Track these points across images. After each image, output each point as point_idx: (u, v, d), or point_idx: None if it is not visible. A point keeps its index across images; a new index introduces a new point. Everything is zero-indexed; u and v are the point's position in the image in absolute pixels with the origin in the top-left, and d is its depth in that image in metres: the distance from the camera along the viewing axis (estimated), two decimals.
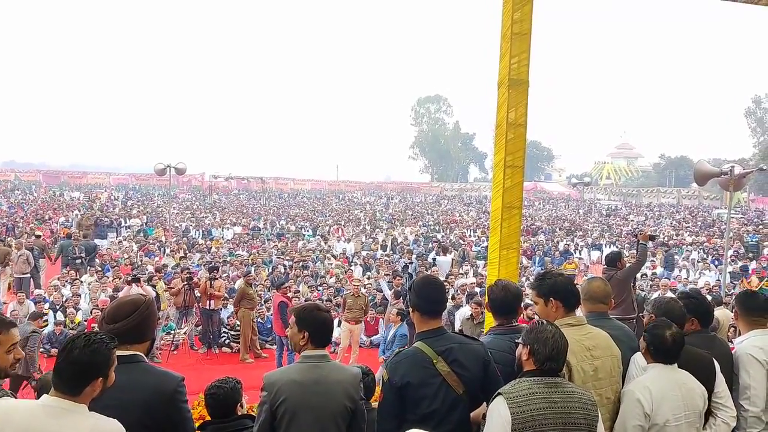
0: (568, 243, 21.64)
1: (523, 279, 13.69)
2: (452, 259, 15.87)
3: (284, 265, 16.00)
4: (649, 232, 10.31)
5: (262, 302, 11.43)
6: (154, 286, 10.02)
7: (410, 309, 2.78)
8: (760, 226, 27.00)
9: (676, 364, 2.69)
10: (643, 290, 12.63)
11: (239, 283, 11.39)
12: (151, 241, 19.14)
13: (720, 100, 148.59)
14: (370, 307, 10.00)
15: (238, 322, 10.11)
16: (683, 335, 2.74)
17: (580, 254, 19.90)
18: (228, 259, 16.53)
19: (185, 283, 10.31)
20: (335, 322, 11.28)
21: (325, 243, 20.96)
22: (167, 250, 17.67)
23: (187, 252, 17.27)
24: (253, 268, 14.55)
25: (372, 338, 10.93)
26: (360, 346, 9.89)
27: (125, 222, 23.64)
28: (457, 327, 8.00)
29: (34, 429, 1.91)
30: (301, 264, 15.78)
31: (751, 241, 19.88)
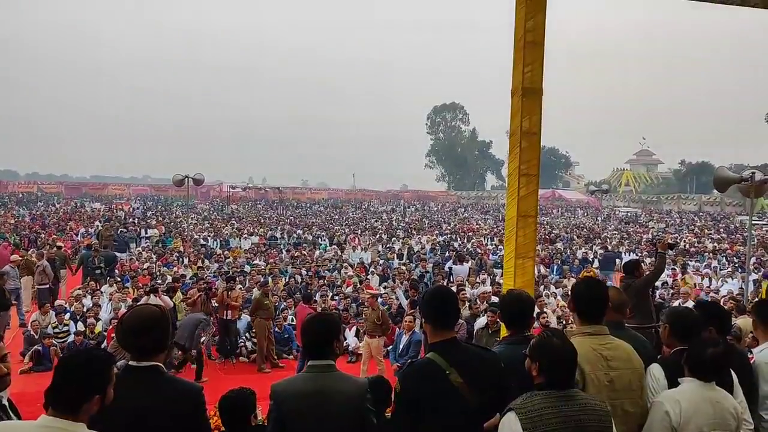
0: (586, 251, 21.40)
1: (542, 288, 13.56)
2: (469, 268, 15.78)
3: (301, 275, 16.07)
4: (669, 240, 10.15)
5: (278, 312, 11.46)
6: (171, 297, 10.11)
7: (423, 320, 2.78)
8: None
9: (714, 382, 2.63)
10: (663, 299, 12.43)
11: (255, 293, 11.47)
12: (169, 252, 19.36)
13: (742, 104, 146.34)
14: (388, 320, 9.82)
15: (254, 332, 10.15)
16: (725, 354, 2.67)
17: (599, 263, 19.62)
18: (245, 269, 16.64)
19: (202, 293, 10.40)
20: (352, 331, 11.36)
21: (342, 252, 20.99)
22: (185, 261, 17.84)
23: (204, 262, 17.45)
24: (270, 278, 14.63)
25: (388, 348, 10.87)
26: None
27: (145, 233, 23.94)
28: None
29: None
30: (316, 273, 15.84)
31: None
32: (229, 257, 18.90)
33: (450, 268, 14.96)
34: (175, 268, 16.19)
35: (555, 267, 17.98)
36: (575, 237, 26.59)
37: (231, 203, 46.95)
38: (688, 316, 2.96)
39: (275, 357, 10.35)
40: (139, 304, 9.25)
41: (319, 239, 24.77)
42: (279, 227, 28.74)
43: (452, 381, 2.52)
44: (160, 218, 30.36)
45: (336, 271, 16.86)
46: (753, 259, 17.16)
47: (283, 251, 21.07)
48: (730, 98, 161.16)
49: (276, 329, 10.79)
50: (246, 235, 24.46)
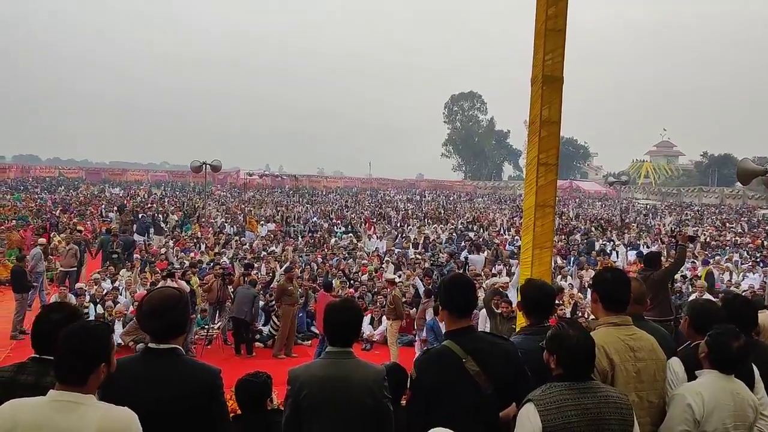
0: (604, 243, 21.18)
1: (558, 278, 13.46)
2: (485, 258, 15.73)
3: (317, 262, 16.15)
4: (690, 233, 9.99)
5: (308, 299, 11.55)
6: (188, 281, 10.22)
7: (440, 307, 2.76)
8: None
9: (732, 375, 2.60)
10: (683, 292, 12.28)
11: (280, 280, 11.53)
12: (187, 237, 19.57)
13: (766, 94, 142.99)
14: (401, 305, 9.89)
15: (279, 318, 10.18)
16: (749, 347, 2.64)
17: (617, 255, 19.41)
18: (262, 255, 16.76)
19: (218, 278, 10.50)
20: (366, 319, 11.39)
21: (358, 240, 21.03)
22: (202, 246, 18.02)
23: (222, 247, 17.62)
24: (294, 265, 14.73)
25: (402, 337, 10.90)
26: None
27: (163, 218, 24.22)
28: (481, 325, 7.89)
29: (43, 426, 1.88)
30: (329, 262, 15.92)
31: None
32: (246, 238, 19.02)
33: (466, 258, 14.92)
34: (192, 254, 16.36)
35: (571, 258, 17.82)
36: (593, 228, 26.32)
37: (248, 190, 47.23)
38: (710, 309, 2.91)
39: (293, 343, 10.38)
40: (157, 287, 9.46)
41: (335, 227, 24.83)
42: (295, 215, 28.87)
43: (468, 369, 2.51)
44: (179, 204, 30.67)
45: (351, 259, 16.91)
46: None
47: (299, 238, 21.17)
48: (756, 88, 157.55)
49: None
50: (263, 222, 24.62)
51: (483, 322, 8.25)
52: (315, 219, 27.63)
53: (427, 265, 14.58)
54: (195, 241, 18.94)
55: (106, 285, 11.87)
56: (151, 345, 2.39)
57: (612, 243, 21.40)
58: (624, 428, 2.24)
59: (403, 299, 11.47)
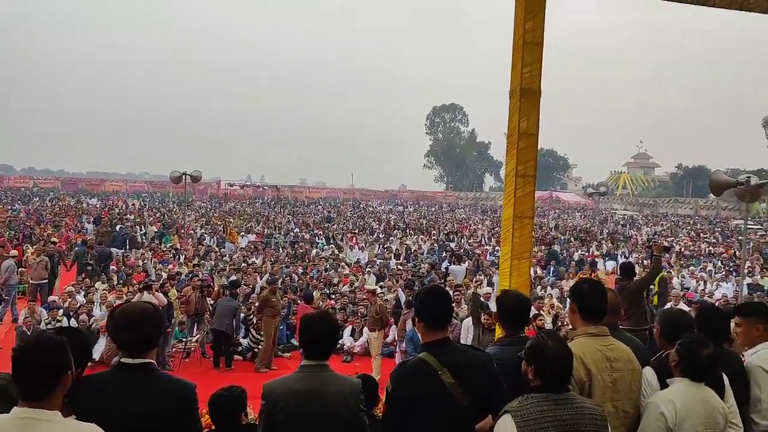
0: (583, 252, 21.42)
1: (538, 289, 13.56)
2: (466, 269, 15.79)
3: (297, 274, 16.07)
4: (665, 243, 10.18)
5: (290, 311, 11.47)
6: (166, 293, 10.07)
7: (416, 319, 2.76)
8: None
9: (703, 383, 2.63)
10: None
11: (260, 289, 11.40)
12: (166, 249, 19.32)
13: (739, 109, 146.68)
14: (387, 314, 9.90)
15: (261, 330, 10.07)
16: (717, 355, 2.67)
17: (596, 265, 19.64)
18: (242, 266, 16.61)
19: (196, 290, 10.37)
20: (347, 330, 11.34)
21: (339, 251, 20.99)
22: (182, 258, 17.81)
23: (202, 259, 17.43)
24: (277, 277, 14.63)
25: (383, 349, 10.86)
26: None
27: (141, 229, 23.90)
28: (463, 335, 7.91)
29: None
30: (309, 273, 15.86)
31: None
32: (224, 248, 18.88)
33: (447, 268, 14.95)
34: (171, 266, 16.15)
35: (551, 268, 17.97)
36: (572, 239, 26.61)
37: (228, 200, 46.87)
38: (680, 318, 2.95)
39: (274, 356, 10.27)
40: (131, 300, 9.31)
41: (317, 238, 24.75)
42: (276, 225, 28.72)
43: (444, 381, 2.51)
44: (158, 215, 30.31)
45: (332, 270, 16.85)
46: (747, 264, 17.20)
47: (280, 249, 21.05)
48: (729, 102, 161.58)
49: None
50: (243, 233, 24.43)
51: (466, 333, 8.28)
52: (296, 230, 27.52)
53: (408, 275, 14.59)
54: (174, 252, 18.72)
55: (81, 298, 11.63)
56: (124, 360, 2.34)
57: (590, 253, 21.64)
58: None
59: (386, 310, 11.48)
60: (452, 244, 23.21)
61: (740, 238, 14.00)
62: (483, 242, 24.84)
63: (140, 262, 16.13)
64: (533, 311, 9.67)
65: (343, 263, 18.09)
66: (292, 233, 26.17)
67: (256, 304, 10.56)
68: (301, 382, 2.58)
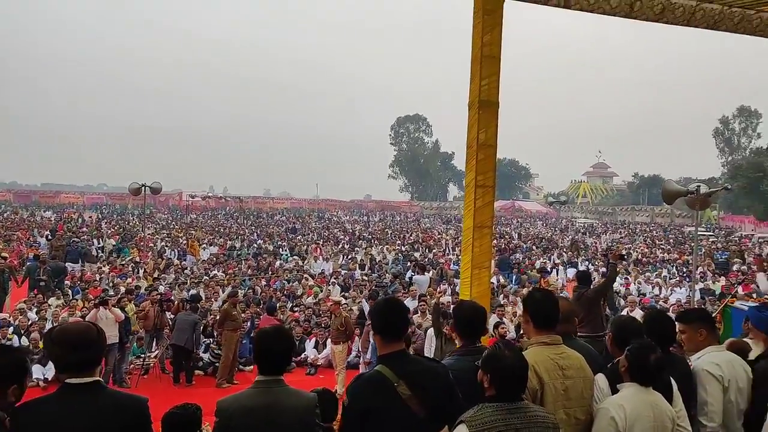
0: (544, 261, 21.82)
1: (500, 297, 13.73)
2: (430, 278, 15.86)
3: (260, 286, 15.88)
4: (620, 251, 10.48)
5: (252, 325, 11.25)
6: (123, 308, 9.79)
7: (372, 332, 2.76)
8: (730, 244, 27.62)
9: (651, 387, 2.71)
10: (617, 308, 12.76)
11: (221, 303, 11.20)
12: (125, 262, 18.80)
13: (692, 120, 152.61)
14: (352, 326, 9.81)
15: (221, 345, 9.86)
16: (664, 360, 2.75)
17: (557, 272, 20.04)
18: (203, 279, 16.29)
19: (155, 304, 10.13)
20: (311, 342, 11.24)
21: (303, 262, 20.83)
22: (141, 272, 17.35)
23: (162, 272, 17.01)
24: (238, 290, 14.39)
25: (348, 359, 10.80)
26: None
27: (98, 243, 23.20)
28: (427, 345, 7.93)
29: None
30: (272, 285, 15.70)
31: (721, 258, 20.30)
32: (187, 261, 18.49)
33: (410, 278, 15.01)
34: (130, 279, 15.72)
35: (514, 277, 18.24)
36: (534, 247, 27.09)
37: (190, 212, 45.98)
38: (630, 325, 3.04)
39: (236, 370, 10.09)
40: (78, 318, 9.02)
41: (280, 249, 24.50)
42: (239, 237, 28.31)
43: (400, 393, 2.51)
44: (116, 228, 29.49)
45: (296, 282, 16.70)
46: (699, 269, 17.84)
47: (243, 262, 20.75)
48: (683, 114, 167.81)
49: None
50: (205, 245, 24.00)
51: (429, 343, 8.30)
52: (260, 241, 27.18)
53: (373, 286, 14.58)
54: (133, 266, 18.23)
55: (33, 315, 11.19)
56: (70, 381, 2.26)
57: (552, 261, 22.08)
58: None
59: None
60: (417, 254, 23.32)
61: (693, 244, 14.50)
62: (447, 252, 25.03)
63: (97, 277, 15.64)
64: (495, 319, 9.79)
65: (307, 275, 17.96)
66: (255, 245, 25.84)
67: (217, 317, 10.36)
68: (256, 398, 2.54)
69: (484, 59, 5.91)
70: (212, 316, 11.22)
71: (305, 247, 24.93)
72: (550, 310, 2.84)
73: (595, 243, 30.74)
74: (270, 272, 18.56)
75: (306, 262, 21.09)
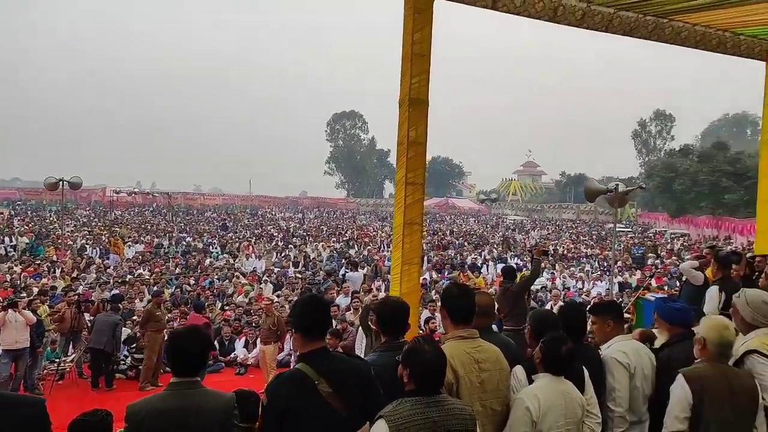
0: (475, 257, 22.38)
1: (433, 293, 13.96)
2: (364, 275, 15.90)
3: (189, 284, 15.39)
4: (544, 247, 10.94)
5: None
6: (35, 311, 9.19)
7: (293, 330, 2.72)
8: (645, 239, 29.40)
9: (563, 376, 2.81)
10: (544, 302, 13.28)
11: (145, 304, 10.76)
12: (39, 261, 17.68)
13: (615, 121, 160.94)
14: (284, 326, 9.63)
15: (144, 346, 9.46)
16: (575, 351, 2.86)
17: (487, 268, 20.59)
18: (128, 278, 15.57)
19: (72, 305, 9.59)
20: (241, 342, 10.99)
21: (234, 260, 20.36)
22: (58, 271, 16.37)
23: (82, 272, 16.14)
24: (164, 289, 13.84)
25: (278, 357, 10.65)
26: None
27: (11, 240, 21.69)
28: (358, 341, 7.95)
29: None
30: (201, 283, 15.27)
31: (637, 253, 21.59)
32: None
33: (344, 275, 14.99)
34: (45, 280, 14.80)
35: (446, 272, 18.60)
36: (466, 243, 27.73)
37: (115, 208, 43.86)
38: (546, 318, 3.16)
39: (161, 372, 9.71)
40: None
41: (211, 247, 23.83)
42: (167, 235, 27.30)
43: (321, 391, 2.49)
44: (30, 225, 27.67)
45: (227, 280, 16.29)
46: (618, 263, 18.88)
47: (170, 260, 20.03)
48: (608, 114, 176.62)
49: None
50: (130, 243, 22.97)
51: (360, 340, 8.30)
52: (189, 239, 26.32)
53: (306, 284, 14.46)
54: (49, 265, 17.16)
55: None
56: None
57: (482, 257, 22.68)
58: None
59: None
60: (352, 251, 23.32)
61: (612, 240, 15.31)
62: (382, 248, 25.19)
63: (7, 277, 14.61)
64: (426, 314, 9.94)
65: (238, 273, 17.55)
66: (184, 243, 25.00)
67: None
68: (168, 401, 2.44)
69: (414, 57, 5.96)
70: (135, 318, 10.77)
71: (237, 244, 24.37)
72: (467, 305, 2.89)
73: (524, 239, 31.84)
74: (199, 270, 18.03)
75: (237, 260, 20.63)
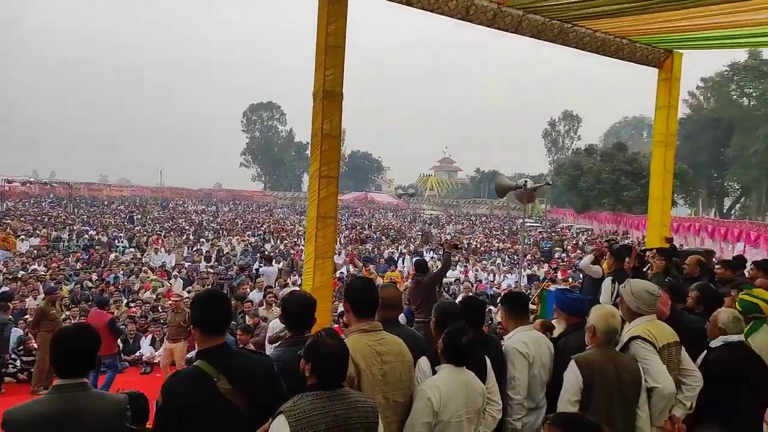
0: (392, 251, 22.65)
1: None
2: (279, 269, 15.63)
3: (91, 280, 14.46)
4: (455, 242, 11.26)
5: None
6: None
7: (192, 326, 2.60)
8: (553, 234, 31.06)
9: (464, 366, 2.88)
10: (456, 294, 13.68)
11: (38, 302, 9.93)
12: None
13: (527, 120, 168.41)
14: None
15: (36, 347, 8.76)
16: (476, 341, 2.93)
17: (403, 261, 20.91)
18: (20, 275, 14.37)
19: None
20: (147, 339, 10.46)
21: (142, 255, 19.35)
22: None
23: None
24: (58, 285, 12.84)
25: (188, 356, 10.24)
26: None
27: None
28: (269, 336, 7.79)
29: None
30: (105, 279, 14.41)
31: (545, 247, 22.76)
32: None
33: (257, 270, 14.67)
34: None
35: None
36: (384, 237, 28.01)
37: (6, 199, 40.33)
38: (450, 309, 3.23)
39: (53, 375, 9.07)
40: None
41: (116, 241, 22.51)
42: (67, 228, 25.47)
43: (220, 388, 2.40)
44: None
45: (133, 276, 15.45)
46: (528, 257, 19.81)
47: (69, 254, 18.72)
48: (521, 112, 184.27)
49: None
50: (24, 237, 21.21)
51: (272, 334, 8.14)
52: (92, 232, 24.70)
53: (218, 279, 14.00)
54: None
55: None
56: None
57: (399, 251, 23.00)
58: (369, 430, 2.33)
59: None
60: (268, 246, 22.86)
61: (522, 234, 16.03)
62: (299, 242, 24.89)
63: None
64: (341, 308, 9.93)
65: (146, 267, 16.69)
66: (86, 236, 23.44)
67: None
68: (51, 405, 2.26)
69: (328, 49, 5.89)
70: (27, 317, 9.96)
71: (145, 238, 23.17)
72: (370, 299, 2.89)
73: (440, 234, 32.63)
74: (103, 265, 16.99)
75: (146, 254, 19.62)
